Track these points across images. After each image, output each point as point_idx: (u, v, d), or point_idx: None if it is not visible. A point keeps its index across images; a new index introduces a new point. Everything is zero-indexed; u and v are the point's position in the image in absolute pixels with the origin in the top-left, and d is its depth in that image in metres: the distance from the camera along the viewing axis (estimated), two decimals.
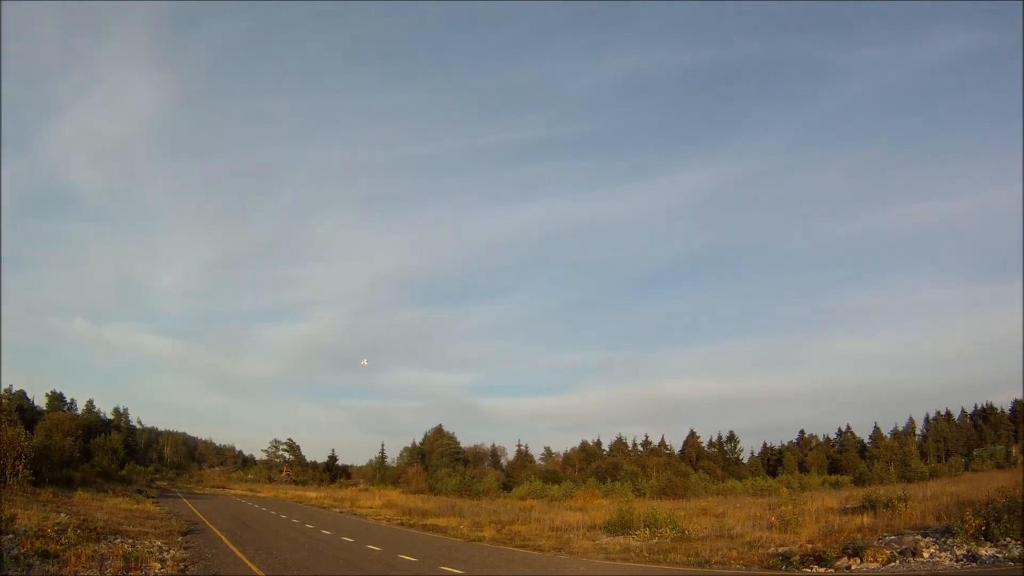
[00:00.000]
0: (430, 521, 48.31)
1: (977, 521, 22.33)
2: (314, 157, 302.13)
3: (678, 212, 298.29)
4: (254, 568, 24.33)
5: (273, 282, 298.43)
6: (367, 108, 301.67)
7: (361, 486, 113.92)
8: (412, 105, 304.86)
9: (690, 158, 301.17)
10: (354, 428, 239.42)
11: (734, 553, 27.50)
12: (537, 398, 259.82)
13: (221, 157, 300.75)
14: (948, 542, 22.95)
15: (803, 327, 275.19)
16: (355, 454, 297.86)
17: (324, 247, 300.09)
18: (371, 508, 64.05)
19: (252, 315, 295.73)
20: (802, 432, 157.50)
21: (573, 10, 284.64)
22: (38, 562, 21.43)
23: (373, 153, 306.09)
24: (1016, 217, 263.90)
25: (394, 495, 79.67)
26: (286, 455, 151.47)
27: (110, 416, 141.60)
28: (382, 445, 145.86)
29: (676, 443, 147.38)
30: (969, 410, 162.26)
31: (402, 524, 48.07)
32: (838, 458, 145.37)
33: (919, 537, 25.40)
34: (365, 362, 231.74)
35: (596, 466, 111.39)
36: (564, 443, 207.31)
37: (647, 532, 34.90)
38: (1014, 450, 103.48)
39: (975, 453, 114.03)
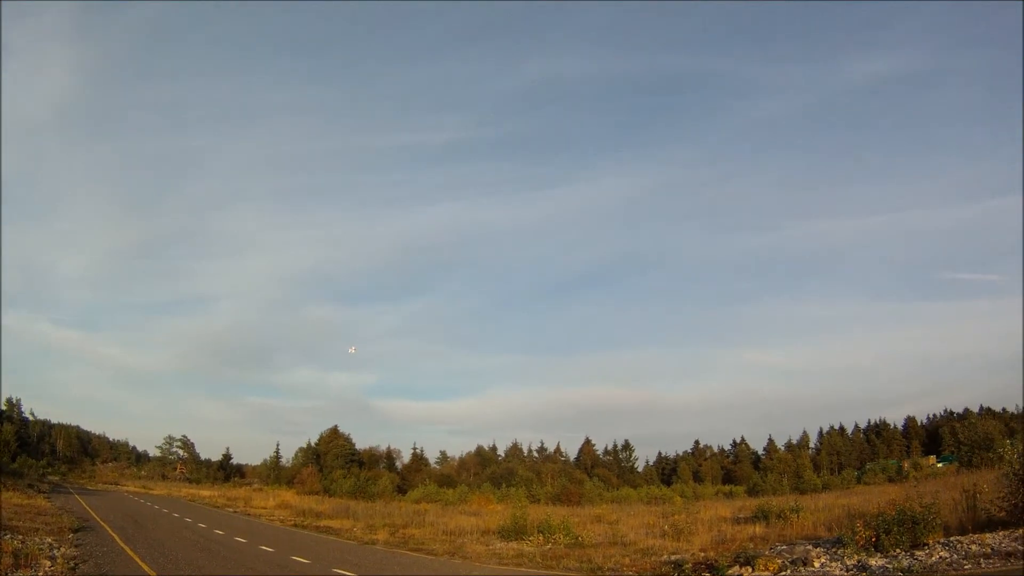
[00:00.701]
0: (324, 523, 47.96)
1: (868, 532, 22.68)
2: (228, 148, 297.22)
3: (592, 219, 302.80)
4: (145, 567, 23.94)
5: (179, 274, 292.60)
6: (285, 101, 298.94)
7: (255, 486, 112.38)
8: (331, 100, 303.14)
9: (608, 166, 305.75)
10: (250, 426, 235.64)
11: (627, 560, 27.54)
12: (435, 401, 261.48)
13: (132, 143, 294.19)
14: (839, 552, 23.25)
15: (706, 338, 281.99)
16: (250, 453, 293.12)
17: (233, 240, 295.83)
18: (265, 508, 63.44)
19: (155, 306, 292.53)
20: (697, 442, 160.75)
21: (497, 11, 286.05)
22: None
23: (288, 147, 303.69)
24: (921, 238, 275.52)
25: (288, 496, 78.47)
26: (180, 452, 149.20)
27: (2, 407, 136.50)
28: (277, 445, 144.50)
29: (571, 450, 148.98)
30: (863, 425, 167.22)
31: (296, 525, 47.64)
32: (732, 469, 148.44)
33: (810, 547, 25.71)
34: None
35: (491, 471, 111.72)
36: (460, 447, 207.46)
37: (541, 538, 34.93)
38: (905, 465, 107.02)
39: (867, 467, 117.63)
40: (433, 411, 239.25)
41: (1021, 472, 22.09)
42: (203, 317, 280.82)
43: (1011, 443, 39.80)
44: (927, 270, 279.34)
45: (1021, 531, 21.20)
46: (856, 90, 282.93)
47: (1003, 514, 22.63)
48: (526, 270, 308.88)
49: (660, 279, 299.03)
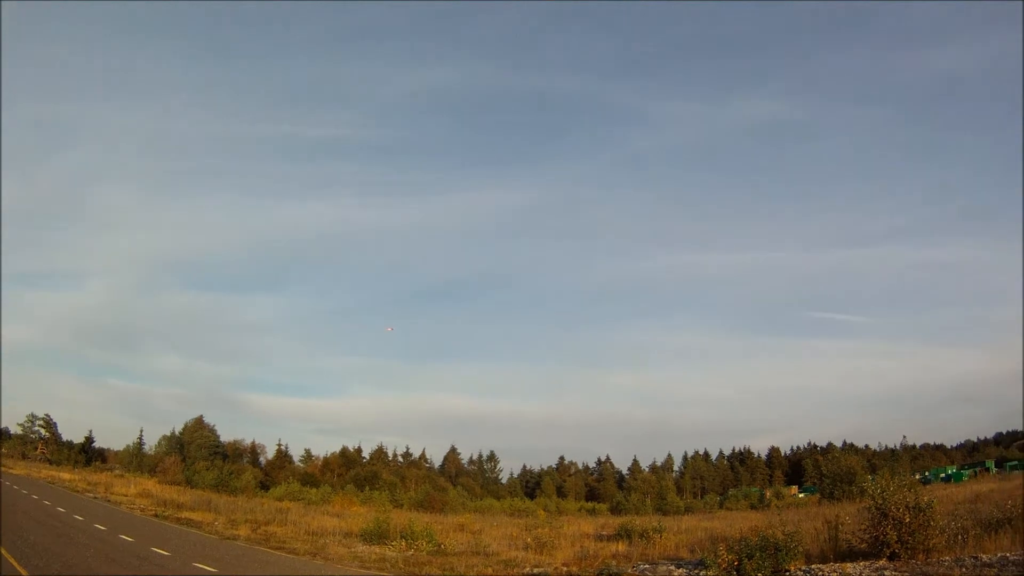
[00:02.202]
0: (185, 515, 47.36)
1: (731, 557, 23.52)
2: (109, 120, 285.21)
3: (466, 230, 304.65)
4: None
5: (48, 245, 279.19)
6: (170, 80, 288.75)
7: (117, 472, 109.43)
8: (216, 85, 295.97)
9: (486, 179, 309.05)
10: (114, 410, 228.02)
11: (490, 571, 27.96)
12: (303, 399, 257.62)
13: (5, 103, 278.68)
14: (701, 574, 24.00)
15: (576, 357, 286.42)
16: (113, 437, 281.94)
17: (106, 217, 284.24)
18: (126, 496, 62.14)
19: (21, 277, 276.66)
20: (562, 458, 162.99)
21: (394, 14, 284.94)
22: None
23: (170, 125, 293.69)
24: (793, 277, 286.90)
25: (150, 484, 76.51)
26: (42, 432, 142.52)
27: None
28: (141, 431, 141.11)
29: (437, 457, 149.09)
30: (728, 452, 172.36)
31: (157, 515, 46.92)
32: (596, 486, 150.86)
33: (673, 568, 26.55)
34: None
35: (356, 473, 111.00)
36: (325, 447, 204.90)
37: (403, 544, 35.15)
38: (768, 493, 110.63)
39: (730, 493, 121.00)
40: (300, 408, 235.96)
41: (882, 506, 23.16)
42: (71, 293, 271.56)
43: (873, 478, 41.88)
44: (797, 308, 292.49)
45: (881, 562, 22.45)
46: (739, 132, 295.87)
47: (864, 545, 23.82)
48: (398, 274, 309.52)
49: (531, 294, 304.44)
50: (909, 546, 22.37)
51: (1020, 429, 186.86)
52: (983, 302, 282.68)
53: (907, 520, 22.54)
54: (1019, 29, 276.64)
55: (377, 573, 27.04)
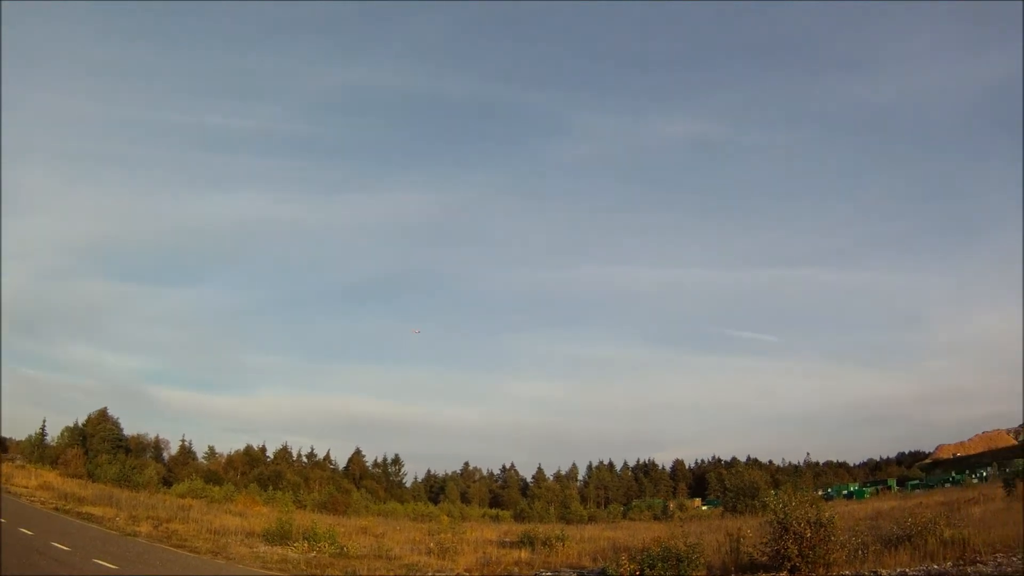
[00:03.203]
0: (86, 509, 46.48)
1: (632, 566, 23.97)
2: (18, 101, 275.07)
3: (385, 230, 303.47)
4: None
5: None
6: (90, 58, 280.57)
7: (18, 462, 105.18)
8: (136, 67, 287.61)
9: (408, 181, 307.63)
10: (18, 398, 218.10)
11: (392, 574, 27.69)
12: (210, 394, 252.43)
13: None
14: None
15: (484, 363, 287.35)
16: (15, 426, 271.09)
17: (13, 197, 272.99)
18: (26, 488, 60.42)
19: None
20: (466, 464, 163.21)
21: (332, 10, 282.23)
22: None
23: (86, 106, 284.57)
24: (705, 294, 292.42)
25: (51, 477, 74.25)
26: None
27: None
28: (43, 421, 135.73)
29: (341, 459, 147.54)
30: (632, 463, 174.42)
31: (57, 509, 46.12)
32: (500, 493, 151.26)
33: (575, 575, 26.76)
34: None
35: (259, 472, 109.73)
36: (230, 444, 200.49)
37: (306, 545, 35.09)
38: (671, 504, 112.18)
39: (634, 503, 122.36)
40: (206, 404, 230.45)
41: (784, 521, 23.77)
42: None
43: (776, 493, 42.86)
44: (707, 324, 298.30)
45: (782, 575, 22.95)
46: (662, 149, 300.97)
47: (765, 559, 24.48)
48: (312, 272, 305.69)
49: (445, 299, 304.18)
50: (810, 560, 23.03)
51: (923, 450, 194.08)
52: (893, 326, 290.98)
53: (808, 535, 23.18)
54: (933, 62, 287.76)
55: (279, 574, 26.89)
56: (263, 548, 34.44)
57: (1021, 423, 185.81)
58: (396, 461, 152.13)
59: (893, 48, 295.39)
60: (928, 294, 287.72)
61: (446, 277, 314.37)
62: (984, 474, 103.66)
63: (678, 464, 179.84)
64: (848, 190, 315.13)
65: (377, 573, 28.11)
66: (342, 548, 35.14)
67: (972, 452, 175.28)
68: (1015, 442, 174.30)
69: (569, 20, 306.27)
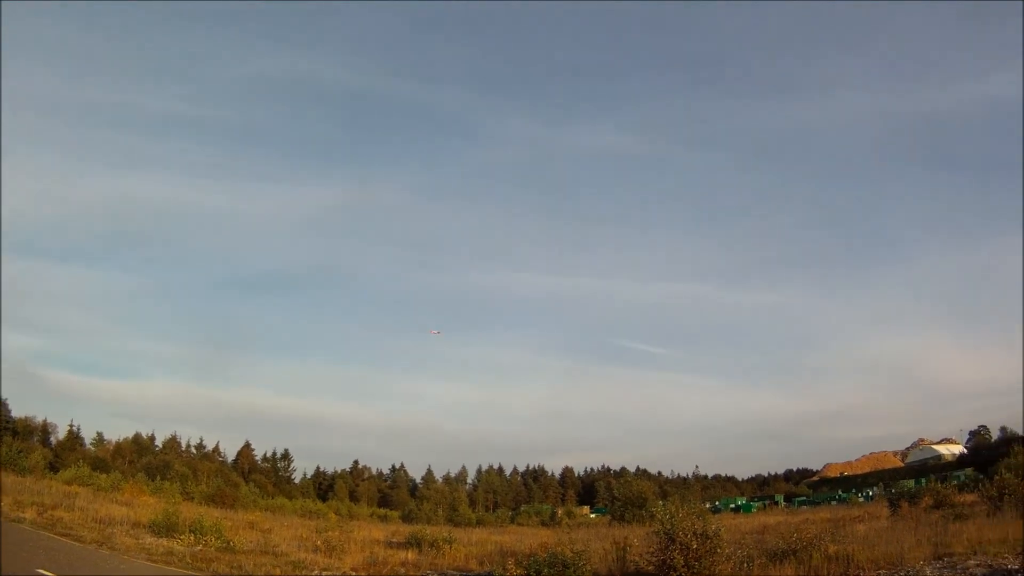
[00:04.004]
0: None
1: (519, 571, 24.08)
2: None
3: (290, 222, 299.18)
4: None
5: None
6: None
7: None
8: (51, 39, 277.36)
9: (323, 174, 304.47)
10: None
11: (278, 571, 27.85)
12: (101, 379, 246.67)
13: None
14: None
15: (379, 362, 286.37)
16: None
17: None
18: None
19: None
20: (356, 462, 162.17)
21: None
22: None
23: None
24: (602, 305, 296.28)
25: None
26: None
27: None
28: None
29: (231, 452, 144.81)
30: (522, 468, 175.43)
31: None
32: (389, 493, 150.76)
33: None
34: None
35: (147, 461, 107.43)
36: (119, 431, 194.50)
37: (192, 538, 34.33)
38: (560, 511, 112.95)
39: (523, 508, 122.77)
40: (97, 389, 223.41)
41: (670, 531, 24.20)
42: None
43: (664, 504, 43.62)
44: (606, 335, 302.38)
45: None
46: (574, 158, 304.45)
47: (651, 568, 24.80)
48: (216, 260, 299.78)
49: (350, 296, 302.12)
50: (695, 571, 23.38)
51: (811, 467, 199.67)
52: (788, 346, 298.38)
53: (694, 546, 23.57)
54: (847, 91, 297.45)
55: (164, 566, 26.43)
56: (149, 539, 33.67)
57: (908, 446, 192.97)
58: (285, 456, 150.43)
59: (811, 75, 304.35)
60: (824, 316, 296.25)
61: (348, 274, 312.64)
62: (870, 493, 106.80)
63: (567, 471, 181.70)
64: (753, 211, 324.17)
65: (263, 569, 27.72)
66: (228, 542, 34.48)
67: (859, 472, 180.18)
68: (901, 464, 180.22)
69: (489, 22, 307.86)
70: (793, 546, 26.38)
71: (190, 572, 26.19)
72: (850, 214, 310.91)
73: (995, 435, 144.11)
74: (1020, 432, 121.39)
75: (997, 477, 42.19)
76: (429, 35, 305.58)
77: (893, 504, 53.32)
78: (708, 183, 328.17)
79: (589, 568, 24.92)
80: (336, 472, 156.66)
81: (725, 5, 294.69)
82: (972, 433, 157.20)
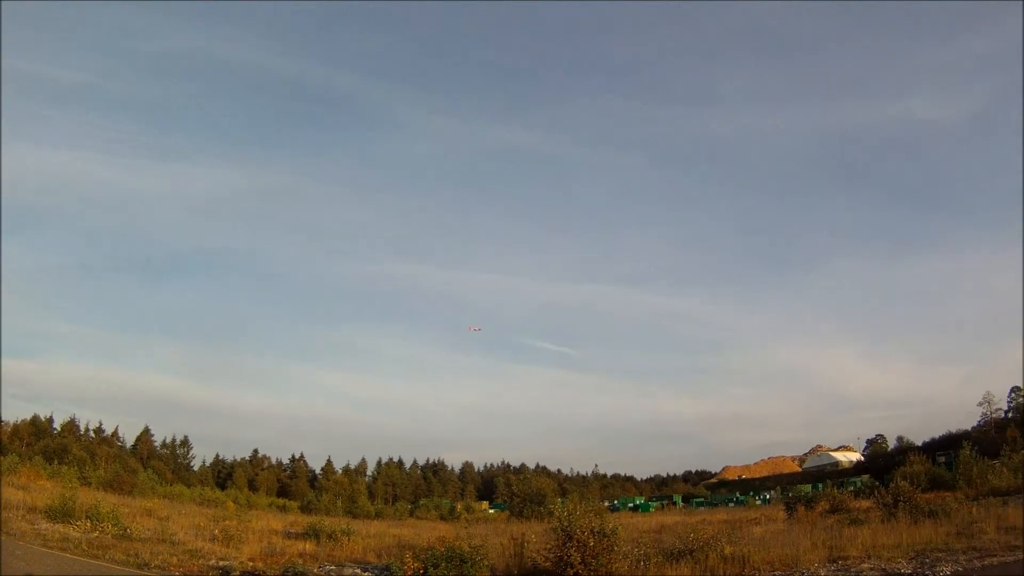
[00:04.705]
0: None
1: (416, 564, 24.37)
2: None
3: (201, 205, 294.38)
4: None
5: None
6: None
7: None
8: None
9: (235, 157, 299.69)
10: None
11: (175, 560, 27.54)
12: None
13: None
14: None
15: (284, 351, 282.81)
16: None
17: None
18: None
19: None
20: (256, 451, 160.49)
21: None
22: None
23: None
24: (507, 302, 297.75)
25: None
26: None
27: None
28: None
29: (130, 437, 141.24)
30: (422, 462, 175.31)
31: None
32: (288, 483, 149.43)
33: (359, 571, 27.34)
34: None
35: (45, 444, 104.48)
36: (16, 413, 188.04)
37: (89, 524, 33.80)
38: (459, 506, 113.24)
39: (422, 502, 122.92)
40: None
41: (568, 529, 24.61)
42: None
43: (562, 502, 44.27)
44: (509, 332, 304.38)
45: None
46: (489, 154, 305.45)
47: (548, 564, 25.03)
48: (121, 238, 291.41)
49: (248, 281, 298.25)
50: (592, 568, 23.72)
51: (710, 469, 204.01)
52: (694, 350, 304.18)
53: (591, 544, 23.93)
54: (772, 105, 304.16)
55: (60, 553, 26.03)
56: (45, 525, 33.07)
57: (806, 451, 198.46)
58: (185, 443, 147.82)
59: (735, 86, 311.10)
60: (730, 323, 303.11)
61: (253, 259, 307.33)
62: (768, 496, 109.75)
63: (467, 466, 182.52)
64: (664, 216, 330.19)
65: (159, 558, 27.40)
66: (125, 529, 34.02)
67: (757, 475, 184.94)
68: (799, 468, 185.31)
69: (420, 17, 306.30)
70: (690, 546, 26.85)
71: (85, 559, 25.79)
72: (762, 225, 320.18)
73: (892, 444, 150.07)
74: (916, 442, 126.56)
75: (892, 484, 43.26)
76: (346, 24, 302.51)
77: (790, 507, 54.77)
78: (621, 186, 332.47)
79: (486, 563, 25.22)
80: (236, 461, 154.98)
81: (646, 9, 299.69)
82: (869, 441, 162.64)
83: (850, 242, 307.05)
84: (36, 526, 32.30)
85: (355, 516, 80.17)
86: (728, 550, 26.62)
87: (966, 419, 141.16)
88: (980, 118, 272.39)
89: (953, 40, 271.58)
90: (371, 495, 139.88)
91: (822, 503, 52.83)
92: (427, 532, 46.34)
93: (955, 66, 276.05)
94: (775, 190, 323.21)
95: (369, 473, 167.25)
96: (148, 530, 36.25)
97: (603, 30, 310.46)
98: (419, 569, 24.26)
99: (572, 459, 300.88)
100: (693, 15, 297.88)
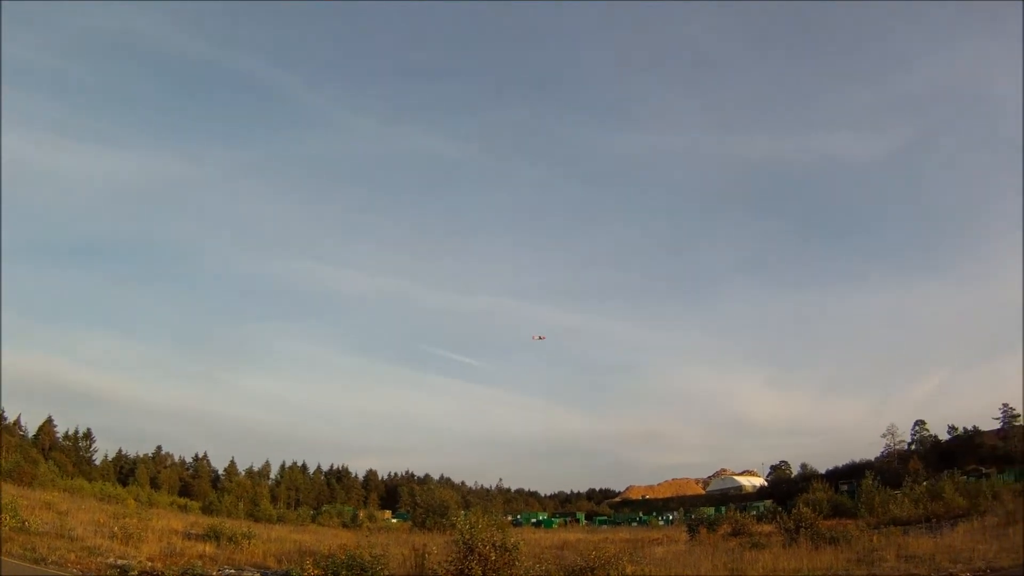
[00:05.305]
0: None
1: (317, 571, 24.53)
2: None
3: (120, 189, 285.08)
4: None
5: None
6: None
7: None
8: None
9: (154, 143, 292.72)
10: None
11: (72, 556, 27.30)
12: None
13: None
14: None
15: (196, 345, 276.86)
16: None
17: None
18: None
19: None
20: (159, 448, 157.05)
21: None
22: None
23: None
24: (417, 311, 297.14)
25: None
26: None
27: None
28: None
29: (32, 426, 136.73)
30: (326, 467, 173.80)
31: None
32: (191, 482, 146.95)
33: (258, 575, 27.05)
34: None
35: None
36: None
37: None
38: (361, 514, 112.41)
39: (324, 508, 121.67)
40: None
41: (470, 542, 24.83)
42: None
43: (465, 514, 44.64)
44: (419, 342, 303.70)
45: None
46: (409, 159, 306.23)
47: None
48: (24, 220, 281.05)
49: (165, 272, 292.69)
50: None
51: (614, 488, 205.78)
52: (603, 369, 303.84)
53: (493, 557, 24.14)
54: (689, 126, 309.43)
55: None
56: None
57: (711, 474, 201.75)
58: (87, 436, 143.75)
59: (648, 105, 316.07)
60: (640, 344, 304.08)
61: (172, 250, 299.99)
62: (671, 517, 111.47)
63: (371, 474, 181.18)
64: (582, 232, 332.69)
65: (56, 553, 27.12)
66: (24, 522, 33.54)
67: (661, 496, 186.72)
68: (703, 491, 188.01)
69: (337, 13, 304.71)
70: (591, 564, 26.66)
71: None
72: (678, 248, 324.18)
73: (796, 471, 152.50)
74: (820, 470, 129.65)
75: (795, 510, 44.32)
76: (279, 20, 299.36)
77: (692, 529, 55.94)
78: (540, 198, 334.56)
79: (387, 573, 25.44)
80: (138, 456, 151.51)
81: (572, 21, 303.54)
82: (773, 467, 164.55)
83: (759, 270, 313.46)
84: None
85: (257, 519, 79.35)
86: (630, 569, 26.89)
87: (869, 449, 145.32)
88: (896, 158, 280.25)
89: (881, 80, 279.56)
90: (274, 499, 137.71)
91: (724, 526, 54.11)
92: (329, 539, 46.39)
93: (878, 106, 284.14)
94: (687, 212, 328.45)
95: (272, 476, 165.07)
96: (47, 524, 35.79)
97: (521, 38, 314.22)
98: (320, 575, 24.48)
99: (476, 472, 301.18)
100: (620, 31, 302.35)
